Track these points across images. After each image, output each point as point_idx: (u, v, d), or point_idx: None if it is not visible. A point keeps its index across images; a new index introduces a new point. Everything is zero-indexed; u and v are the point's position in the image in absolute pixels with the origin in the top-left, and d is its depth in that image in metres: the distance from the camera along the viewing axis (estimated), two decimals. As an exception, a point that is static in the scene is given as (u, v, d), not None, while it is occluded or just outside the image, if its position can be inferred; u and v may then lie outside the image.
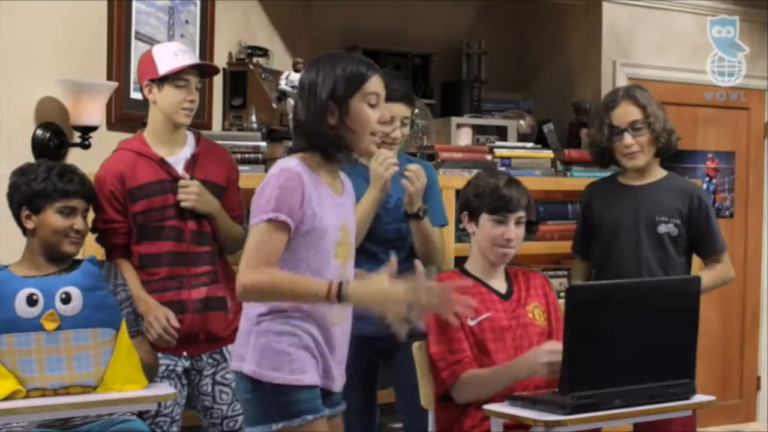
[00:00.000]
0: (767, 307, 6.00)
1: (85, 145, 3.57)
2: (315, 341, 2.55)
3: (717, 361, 5.76)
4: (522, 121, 5.04)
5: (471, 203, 3.17)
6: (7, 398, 2.54)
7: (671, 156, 3.59)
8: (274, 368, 2.50)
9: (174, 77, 3.12)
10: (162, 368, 3.12)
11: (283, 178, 2.48)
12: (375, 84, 2.58)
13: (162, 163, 3.15)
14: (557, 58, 5.62)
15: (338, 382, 2.64)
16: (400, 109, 3.21)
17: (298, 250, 2.50)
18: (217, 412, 3.22)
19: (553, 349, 2.83)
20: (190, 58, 3.20)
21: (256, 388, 2.52)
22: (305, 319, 2.53)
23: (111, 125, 3.80)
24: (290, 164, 2.53)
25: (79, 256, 3.05)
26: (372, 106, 2.57)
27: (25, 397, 2.57)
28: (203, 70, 3.28)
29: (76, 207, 2.99)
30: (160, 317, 3.06)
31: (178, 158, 3.19)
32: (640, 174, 3.50)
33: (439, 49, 5.35)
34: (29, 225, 2.98)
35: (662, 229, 3.43)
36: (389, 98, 3.13)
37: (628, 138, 3.42)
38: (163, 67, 3.12)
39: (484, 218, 3.12)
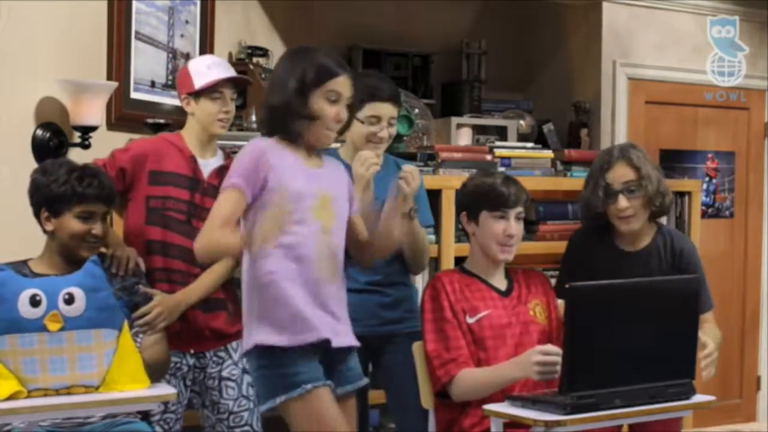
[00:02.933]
0: (767, 307, 6.00)
1: (85, 145, 3.57)
2: (307, 302, 2.68)
3: (717, 360, 5.74)
4: (522, 121, 5.04)
5: (470, 203, 3.18)
6: (7, 399, 2.54)
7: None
8: (274, 333, 2.66)
9: (209, 90, 3.24)
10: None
11: (244, 151, 2.74)
12: (339, 83, 2.75)
13: (192, 160, 3.25)
14: (557, 58, 5.62)
15: (344, 337, 2.76)
16: (387, 109, 3.23)
17: (266, 204, 2.67)
18: (224, 407, 3.27)
19: (548, 350, 2.84)
20: (224, 71, 3.30)
21: (260, 365, 2.69)
22: (293, 280, 2.67)
23: (111, 125, 3.81)
24: (256, 140, 2.79)
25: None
26: (332, 102, 2.74)
27: (27, 397, 2.57)
28: (236, 82, 3.35)
29: (95, 211, 2.96)
30: (132, 253, 3.11)
31: (208, 163, 3.29)
32: (633, 236, 3.39)
33: (439, 49, 5.35)
34: (48, 227, 2.96)
35: None
36: (377, 98, 3.20)
37: (622, 201, 3.30)
38: (198, 81, 3.24)
39: (485, 216, 3.12)
